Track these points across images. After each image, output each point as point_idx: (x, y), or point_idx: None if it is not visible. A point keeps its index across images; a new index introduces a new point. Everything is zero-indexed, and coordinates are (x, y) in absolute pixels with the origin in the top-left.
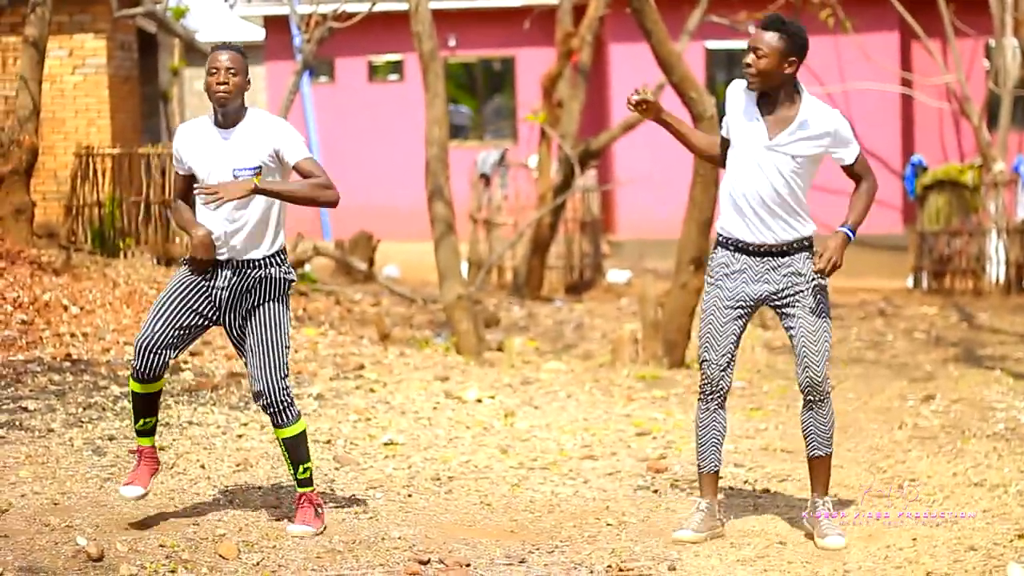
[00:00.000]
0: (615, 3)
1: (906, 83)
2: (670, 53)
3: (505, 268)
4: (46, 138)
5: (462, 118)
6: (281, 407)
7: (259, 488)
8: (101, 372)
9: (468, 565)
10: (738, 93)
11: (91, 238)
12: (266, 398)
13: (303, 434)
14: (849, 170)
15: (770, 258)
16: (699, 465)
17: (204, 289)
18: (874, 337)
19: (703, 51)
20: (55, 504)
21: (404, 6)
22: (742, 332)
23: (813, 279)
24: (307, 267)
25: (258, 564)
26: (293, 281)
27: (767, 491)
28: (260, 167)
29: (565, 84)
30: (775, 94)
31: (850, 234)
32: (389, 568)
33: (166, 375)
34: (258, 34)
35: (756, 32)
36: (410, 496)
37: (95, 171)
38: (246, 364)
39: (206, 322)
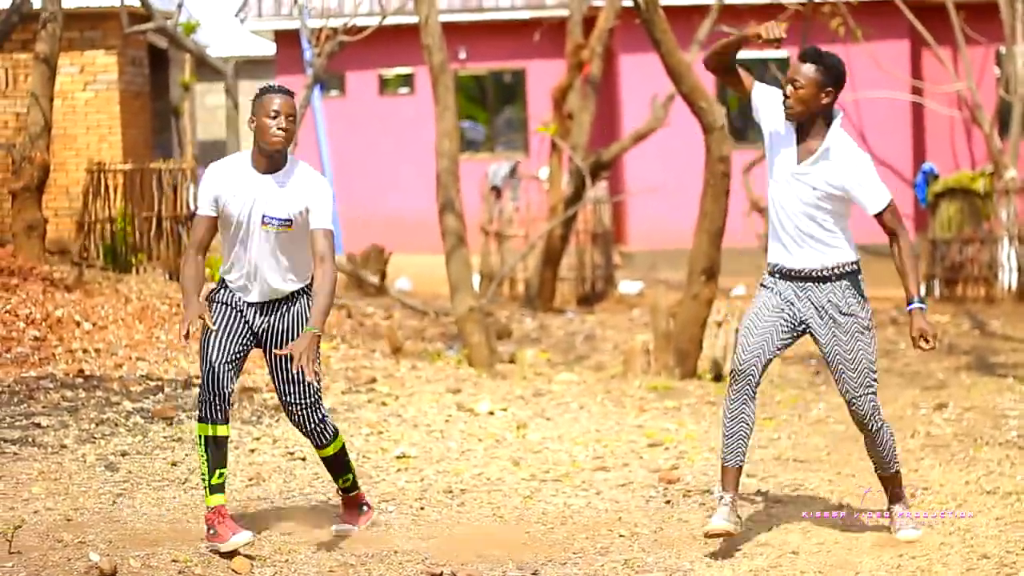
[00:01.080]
0: (625, 14)
1: (917, 91)
2: (680, 63)
3: (517, 280)
4: (57, 154)
5: (478, 134)
6: (318, 429)
7: (271, 502)
8: (113, 388)
9: None
10: (780, 106)
11: (103, 254)
12: (309, 424)
13: (343, 449)
14: (879, 220)
15: (810, 283)
16: (723, 458)
17: (241, 317)
18: (886, 346)
19: None
20: (68, 520)
21: (414, 19)
22: (781, 341)
23: (851, 311)
24: None
25: None
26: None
27: (779, 501)
28: (290, 220)
29: (575, 96)
30: (810, 123)
31: (921, 306)
32: None
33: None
34: (269, 48)
35: (793, 64)
36: (422, 509)
37: (107, 187)
38: (277, 388)
39: (252, 342)
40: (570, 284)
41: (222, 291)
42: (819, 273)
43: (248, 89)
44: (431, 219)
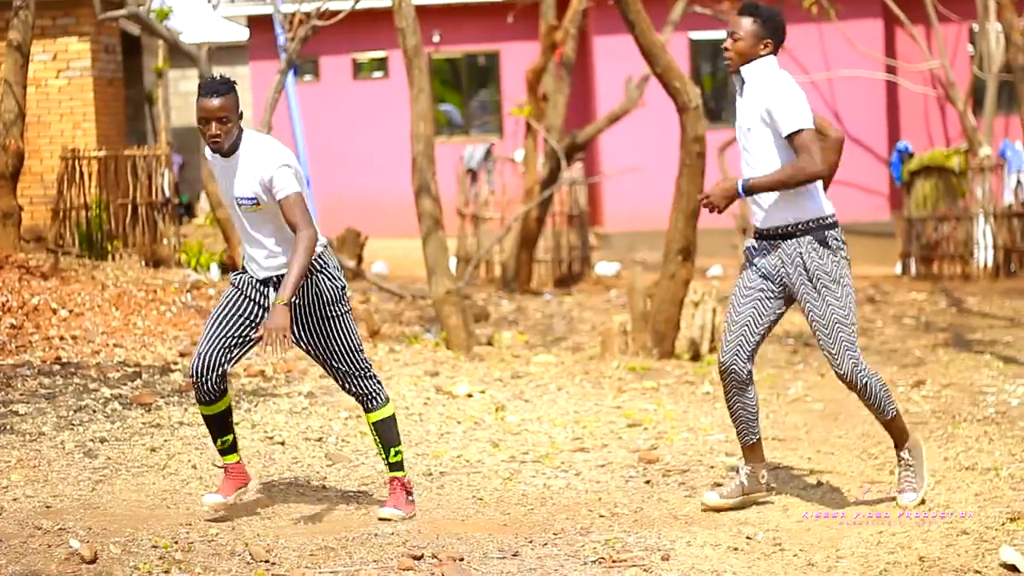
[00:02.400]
0: None
1: (891, 70)
2: (653, 44)
3: (493, 263)
4: (31, 142)
5: (455, 117)
6: (371, 394)
7: (251, 487)
8: (91, 375)
9: (461, 559)
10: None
11: (79, 241)
12: (356, 391)
13: (392, 418)
14: (791, 142)
15: (777, 240)
16: (738, 437)
17: (254, 301)
18: (863, 324)
19: (687, 42)
20: (47, 507)
21: (387, 3)
22: (764, 321)
23: (818, 266)
24: None
25: (252, 562)
26: (342, 285)
27: None
28: (255, 199)
29: (550, 78)
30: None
31: (742, 186)
32: (383, 564)
33: (229, 391)
34: (242, 34)
35: (732, 18)
36: None
37: (81, 174)
38: (323, 365)
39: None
40: (547, 266)
41: (238, 274)
42: (784, 230)
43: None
44: (407, 202)
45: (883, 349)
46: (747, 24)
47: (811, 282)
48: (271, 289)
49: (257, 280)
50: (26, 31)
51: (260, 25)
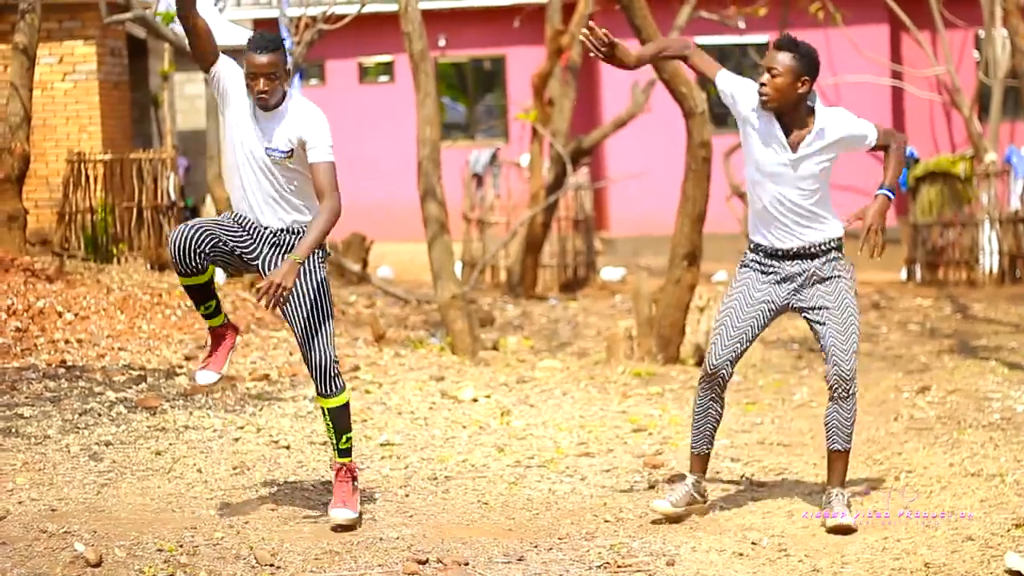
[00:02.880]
0: (604, 0)
1: (896, 75)
2: None
3: (499, 267)
4: (37, 145)
5: (457, 115)
6: (328, 376)
7: (256, 491)
8: (96, 378)
9: (466, 564)
10: (756, 102)
11: (84, 244)
12: (314, 369)
13: (347, 405)
14: (876, 148)
15: (799, 260)
16: (691, 445)
17: (244, 231)
18: (868, 330)
19: None
20: (53, 510)
21: (394, 7)
22: (759, 332)
23: (838, 275)
24: None
25: (257, 566)
26: (325, 250)
27: (764, 485)
28: (291, 151)
29: (556, 82)
30: (791, 113)
31: (889, 195)
32: (388, 568)
33: (210, 267)
34: (247, 38)
35: (769, 52)
36: (407, 496)
37: (87, 177)
38: (294, 331)
39: (240, 254)
40: (552, 271)
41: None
42: (810, 250)
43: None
44: (412, 207)
45: (888, 355)
46: (786, 60)
47: (830, 285)
48: (266, 243)
49: (260, 225)
50: (32, 34)
51: (265, 29)
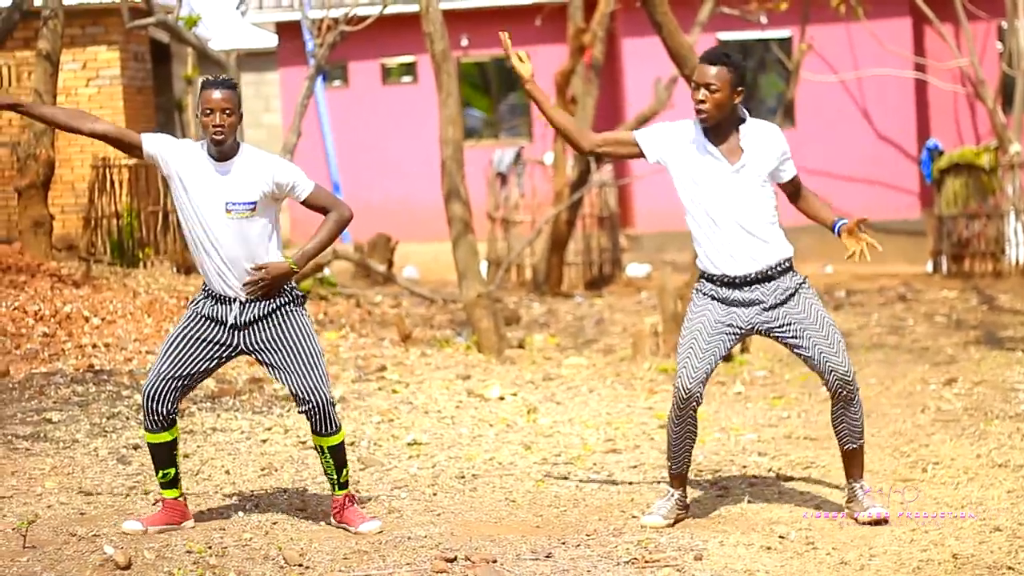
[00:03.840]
0: None
1: (920, 68)
2: (681, 45)
3: (524, 265)
4: (62, 151)
5: (474, 120)
6: (326, 417)
7: (285, 492)
8: (124, 382)
9: (495, 561)
10: (683, 130)
11: (110, 249)
12: (313, 408)
13: (343, 441)
14: (789, 185)
15: (758, 285)
16: (671, 467)
17: (214, 332)
18: (895, 322)
19: (715, 43)
20: (82, 514)
21: (415, 8)
22: (723, 353)
23: (797, 287)
24: (326, 271)
25: (285, 566)
26: (302, 296)
27: (791, 479)
28: (256, 203)
29: (578, 80)
30: (725, 124)
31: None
32: (416, 567)
33: (179, 423)
34: (270, 40)
35: (702, 67)
36: (435, 495)
37: (112, 182)
38: (284, 382)
39: (218, 363)
40: (577, 268)
41: (203, 299)
42: (764, 274)
43: (251, 82)
44: (437, 207)
45: (915, 347)
46: (723, 74)
47: (794, 299)
48: (234, 307)
49: (228, 299)
50: (55, 40)
51: (289, 31)
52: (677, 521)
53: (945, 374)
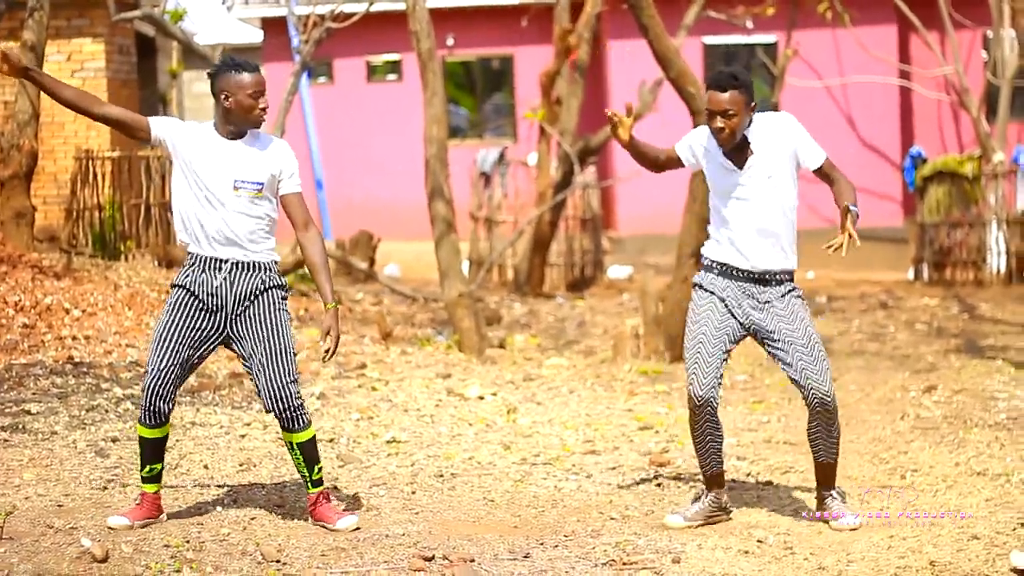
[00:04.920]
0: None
1: (904, 75)
2: (667, 48)
3: (506, 266)
4: (45, 142)
5: (459, 118)
6: (293, 412)
7: (263, 487)
8: (103, 375)
9: (472, 561)
10: (701, 137)
11: (92, 241)
12: (280, 405)
13: (314, 437)
14: (820, 173)
15: (755, 284)
16: (702, 470)
17: (200, 319)
18: (875, 329)
19: (701, 46)
20: (59, 506)
21: (401, 6)
22: (728, 354)
23: (790, 291)
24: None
25: (263, 562)
26: (286, 288)
27: (770, 483)
28: (263, 184)
29: (564, 81)
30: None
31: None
32: (393, 565)
33: (167, 425)
34: (256, 36)
35: (715, 95)
36: (414, 493)
37: (95, 175)
38: (254, 377)
39: (207, 349)
40: (559, 269)
41: (187, 275)
42: (780, 275)
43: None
44: (420, 205)
45: (895, 354)
46: (737, 97)
47: (783, 303)
48: (227, 282)
49: (214, 266)
50: (40, 32)
51: (274, 27)
52: (714, 523)
53: (925, 382)
